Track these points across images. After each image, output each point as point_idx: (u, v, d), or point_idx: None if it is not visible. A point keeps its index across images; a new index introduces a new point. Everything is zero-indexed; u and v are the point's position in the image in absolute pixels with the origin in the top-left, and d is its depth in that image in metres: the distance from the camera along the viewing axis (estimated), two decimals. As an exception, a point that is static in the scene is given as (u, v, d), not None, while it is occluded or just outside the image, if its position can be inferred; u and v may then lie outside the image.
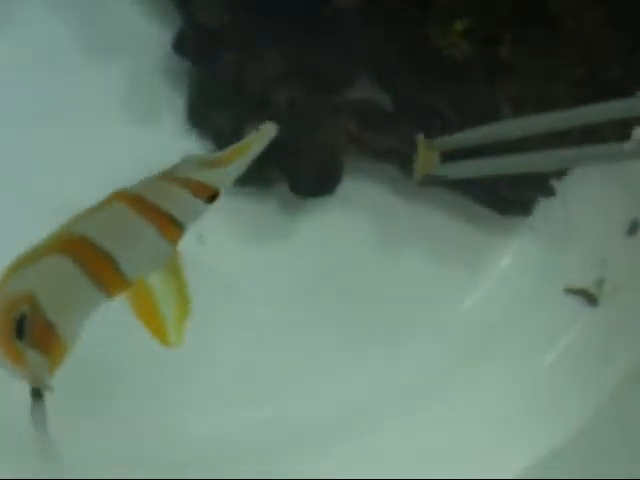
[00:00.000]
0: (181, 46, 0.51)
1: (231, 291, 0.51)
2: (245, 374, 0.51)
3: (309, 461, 0.50)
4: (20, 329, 0.32)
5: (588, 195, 0.54)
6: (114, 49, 0.53)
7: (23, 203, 0.50)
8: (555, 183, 0.52)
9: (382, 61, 0.50)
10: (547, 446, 0.51)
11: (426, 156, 0.41)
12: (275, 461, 0.50)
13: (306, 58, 0.50)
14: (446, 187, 0.53)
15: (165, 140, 0.52)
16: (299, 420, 0.51)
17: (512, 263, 0.54)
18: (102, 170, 0.50)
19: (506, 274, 0.54)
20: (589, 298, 0.54)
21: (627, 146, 0.37)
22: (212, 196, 0.36)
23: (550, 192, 0.52)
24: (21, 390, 0.33)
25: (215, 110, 0.51)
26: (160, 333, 0.35)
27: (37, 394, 0.33)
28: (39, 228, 0.34)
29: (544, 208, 0.53)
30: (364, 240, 0.53)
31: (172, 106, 0.53)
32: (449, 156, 0.41)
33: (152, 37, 0.53)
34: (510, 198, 0.52)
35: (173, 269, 0.35)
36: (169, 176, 0.36)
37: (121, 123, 0.52)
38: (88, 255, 0.34)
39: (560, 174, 0.52)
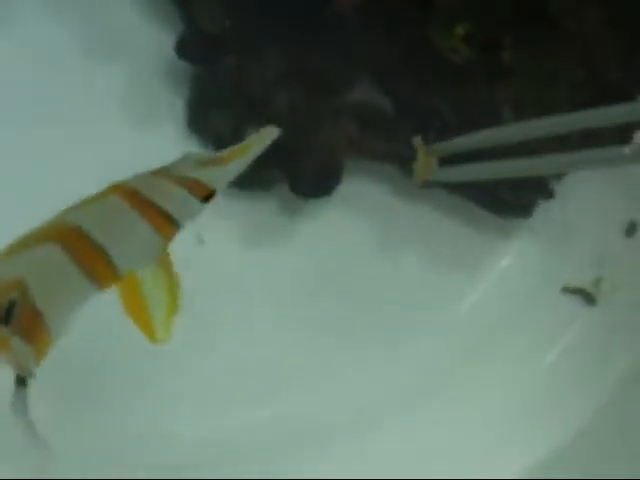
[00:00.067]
0: (182, 49, 0.51)
1: (230, 292, 0.52)
2: (244, 374, 0.51)
3: (309, 461, 0.50)
4: (8, 316, 0.32)
5: (586, 196, 0.54)
6: (115, 51, 0.53)
7: (22, 203, 0.50)
8: (554, 185, 0.52)
9: (382, 63, 0.50)
10: (547, 446, 0.51)
11: (425, 161, 0.41)
12: (275, 461, 0.50)
13: (306, 60, 0.50)
14: (446, 189, 0.53)
15: (165, 142, 0.52)
16: (299, 420, 0.51)
17: (511, 264, 0.55)
18: (102, 171, 0.48)
19: (505, 275, 0.54)
20: (587, 298, 0.54)
21: (628, 150, 0.37)
22: (208, 195, 0.36)
23: (549, 194, 0.52)
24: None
25: (215, 112, 0.51)
26: (148, 329, 0.34)
27: (21, 382, 0.33)
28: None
29: (543, 210, 0.53)
30: (364, 241, 0.53)
31: (172, 108, 0.53)
32: (448, 160, 0.41)
33: (153, 40, 0.53)
34: (510, 201, 0.52)
35: (165, 265, 0.35)
36: (166, 173, 0.36)
37: (121, 125, 0.52)
38: (80, 246, 0.33)
39: (559, 176, 0.52)
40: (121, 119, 0.52)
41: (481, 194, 0.53)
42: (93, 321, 0.47)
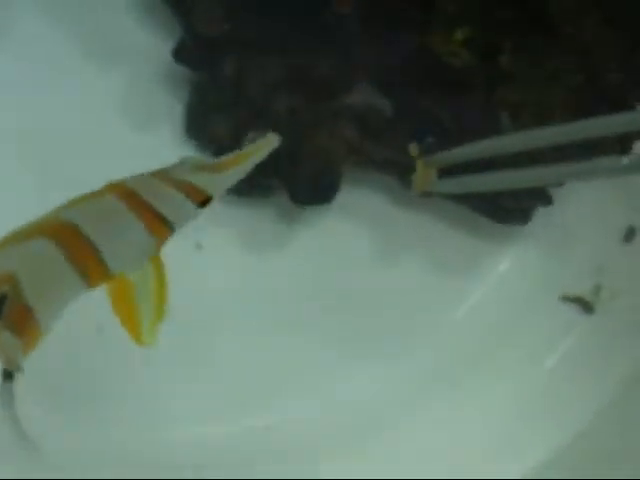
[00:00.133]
0: (181, 54, 0.51)
1: (228, 298, 0.52)
2: (242, 381, 0.51)
3: (308, 465, 0.50)
4: None
5: (585, 202, 0.54)
6: (114, 56, 0.53)
7: (22, 205, 0.50)
8: (553, 191, 0.52)
9: (382, 67, 0.50)
10: (545, 453, 0.51)
11: (424, 172, 0.41)
12: (274, 466, 0.50)
13: (306, 64, 0.50)
14: (444, 195, 0.53)
15: (163, 146, 0.52)
16: (296, 426, 0.51)
17: (510, 269, 0.55)
18: (100, 174, 0.49)
19: (504, 280, 0.54)
20: (585, 306, 0.54)
21: (627, 160, 0.37)
22: (205, 200, 0.36)
23: (548, 201, 0.52)
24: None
25: (214, 117, 0.51)
26: (135, 330, 0.34)
27: (8, 376, 0.33)
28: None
29: (542, 215, 0.53)
30: (362, 248, 0.53)
31: (171, 113, 0.53)
32: (448, 170, 0.41)
33: (152, 44, 0.53)
34: (509, 207, 0.52)
35: (156, 268, 0.35)
36: (165, 175, 0.36)
37: (120, 129, 0.52)
38: (73, 242, 0.33)
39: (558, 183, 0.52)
40: (120, 123, 0.52)
41: (480, 200, 0.52)
42: (90, 325, 0.48)
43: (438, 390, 0.52)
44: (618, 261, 0.55)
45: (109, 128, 0.52)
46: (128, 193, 0.35)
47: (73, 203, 0.34)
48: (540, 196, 0.52)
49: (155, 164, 0.37)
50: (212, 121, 0.51)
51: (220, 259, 0.52)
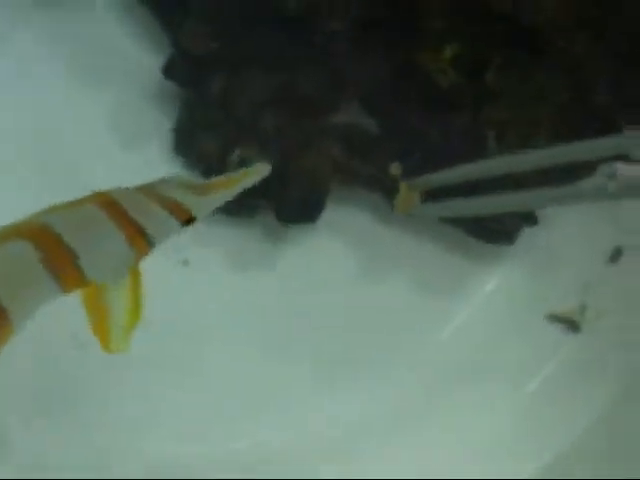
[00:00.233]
0: (170, 70, 0.51)
1: (213, 316, 0.52)
2: (224, 399, 0.51)
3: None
4: None
5: (571, 223, 0.54)
6: (103, 73, 0.53)
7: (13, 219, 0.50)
8: (539, 212, 0.52)
9: (369, 85, 0.51)
10: (533, 467, 0.51)
11: (407, 196, 0.41)
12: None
13: (294, 82, 0.50)
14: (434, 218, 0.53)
15: (152, 164, 0.52)
16: (281, 443, 0.51)
17: (496, 290, 0.55)
18: (87, 191, 0.50)
19: (490, 301, 0.54)
20: (572, 325, 0.54)
21: (612, 184, 0.37)
22: (188, 220, 0.36)
23: (534, 221, 0.52)
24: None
25: (203, 135, 0.51)
26: (105, 337, 0.34)
27: None
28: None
29: (528, 235, 0.53)
30: (349, 268, 0.53)
31: (160, 130, 0.53)
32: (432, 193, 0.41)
33: (141, 61, 0.53)
34: (494, 227, 0.52)
35: (133, 279, 0.35)
36: (151, 191, 0.36)
37: (109, 145, 0.52)
38: (51, 246, 0.33)
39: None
40: (109, 139, 0.52)
41: (465, 220, 0.53)
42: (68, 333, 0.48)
43: (423, 410, 0.52)
44: (604, 281, 0.55)
45: (97, 144, 0.52)
46: (111, 204, 0.35)
47: (55, 208, 0.34)
48: (526, 216, 0.52)
49: (143, 180, 0.37)
50: (200, 139, 0.51)
51: (207, 277, 0.52)
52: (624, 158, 0.38)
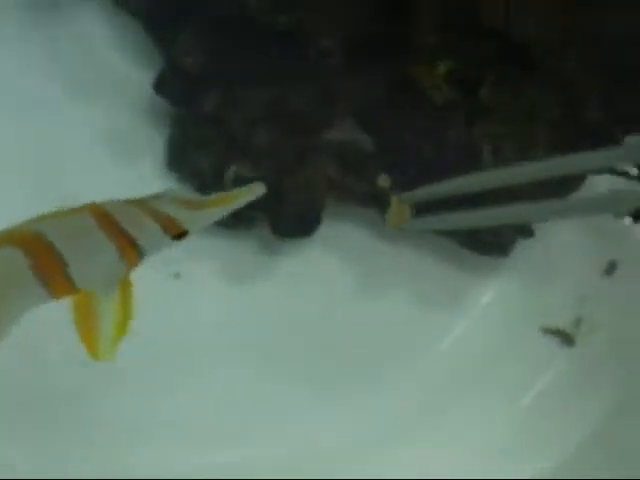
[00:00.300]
0: (162, 87, 0.51)
1: (209, 329, 0.52)
2: (214, 414, 0.51)
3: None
4: None
5: (567, 236, 0.55)
6: (96, 88, 0.53)
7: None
8: (535, 224, 0.52)
9: (364, 102, 0.51)
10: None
11: (398, 209, 0.41)
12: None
13: (288, 99, 0.50)
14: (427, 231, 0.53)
15: (146, 179, 0.52)
16: (278, 458, 0.51)
17: (492, 302, 0.55)
18: None
19: (486, 314, 0.55)
20: (566, 338, 0.54)
21: (605, 196, 0.37)
22: (179, 234, 0.36)
23: (529, 233, 0.53)
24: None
25: (195, 151, 0.51)
26: (92, 345, 0.35)
27: None
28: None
29: (524, 248, 0.54)
30: (344, 281, 0.54)
31: (153, 145, 0.53)
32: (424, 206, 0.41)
33: (134, 78, 0.53)
34: (490, 239, 0.52)
35: (123, 290, 0.36)
36: (144, 204, 0.36)
37: (102, 161, 0.52)
38: (41, 253, 0.34)
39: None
40: (101, 155, 0.53)
41: (460, 233, 0.53)
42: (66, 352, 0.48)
43: (421, 422, 0.52)
44: (599, 294, 0.55)
45: (90, 160, 0.52)
46: (104, 215, 0.35)
47: (48, 217, 0.35)
48: (521, 229, 0.52)
49: (136, 196, 0.37)
50: (193, 156, 0.51)
51: (202, 290, 0.52)
52: (614, 171, 0.38)
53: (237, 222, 0.51)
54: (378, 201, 0.51)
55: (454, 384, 0.53)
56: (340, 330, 0.53)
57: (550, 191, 0.42)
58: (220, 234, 0.52)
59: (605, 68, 0.48)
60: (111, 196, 0.39)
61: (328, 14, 0.49)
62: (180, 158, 0.52)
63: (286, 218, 0.51)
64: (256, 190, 0.38)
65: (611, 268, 0.55)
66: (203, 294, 0.52)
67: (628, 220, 0.44)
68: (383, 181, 0.47)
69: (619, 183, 0.39)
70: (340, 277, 0.54)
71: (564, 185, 0.46)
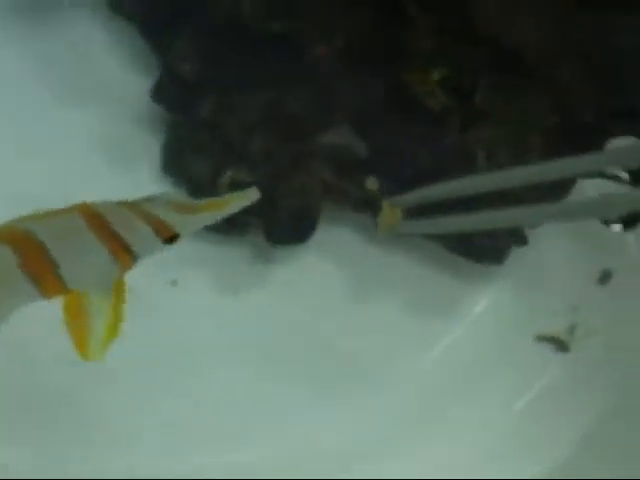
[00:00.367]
0: (158, 94, 0.51)
1: (203, 336, 0.52)
2: (210, 419, 0.51)
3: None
4: None
5: (561, 244, 0.55)
6: (93, 94, 0.54)
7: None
8: (529, 232, 0.53)
9: (359, 107, 0.51)
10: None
11: (389, 213, 0.41)
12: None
13: (284, 104, 0.50)
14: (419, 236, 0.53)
15: (142, 185, 0.52)
16: (272, 466, 0.51)
17: (486, 310, 0.55)
18: None
19: (480, 321, 0.55)
20: (560, 345, 0.54)
21: (595, 201, 0.37)
22: (171, 238, 0.36)
23: (523, 241, 0.53)
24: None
25: (191, 156, 0.52)
26: (82, 345, 0.35)
27: None
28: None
29: (517, 256, 0.54)
30: (338, 288, 0.54)
31: (149, 153, 0.53)
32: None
33: (131, 83, 0.53)
34: (483, 247, 0.53)
35: (117, 292, 0.36)
36: (136, 207, 0.36)
37: (98, 167, 0.53)
38: (30, 252, 0.34)
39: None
40: (97, 160, 0.53)
41: (454, 240, 0.53)
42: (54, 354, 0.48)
43: (411, 429, 0.52)
44: (593, 303, 0.55)
45: (86, 166, 0.53)
46: (95, 216, 0.35)
47: (39, 216, 0.35)
48: (515, 236, 0.53)
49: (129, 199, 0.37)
50: (189, 161, 0.52)
51: (196, 296, 0.52)
52: (604, 175, 0.38)
53: (231, 228, 0.52)
54: (371, 206, 0.51)
55: (446, 391, 0.53)
56: (335, 337, 0.53)
57: (541, 195, 0.42)
58: (213, 240, 0.52)
59: (599, 75, 0.49)
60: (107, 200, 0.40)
61: (322, 20, 0.49)
62: (176, 163, 0.52)
63: (280, 225, 0.51)
64: (250, 195, 0.38)
65: (605, 277, 0.55)
66: (201, 299, 0.52)
67: (618, 227, 0.44)
68: (371, 183, 0.47)
69: (610, 187, 0.39)
70: (335, 283, 0.54)
71: (554, 189, 0.46)
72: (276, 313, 0.53)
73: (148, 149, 0.53)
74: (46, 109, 0.53)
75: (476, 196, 0.39)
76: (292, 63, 0.49)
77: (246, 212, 0.38)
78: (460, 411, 0.53)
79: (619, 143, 0.40)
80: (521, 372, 0.54)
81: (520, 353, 0.54)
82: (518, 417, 0.53)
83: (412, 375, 0.54)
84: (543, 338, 0.54)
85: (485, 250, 0.53)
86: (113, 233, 0.35)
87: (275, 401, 0.52)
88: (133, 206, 0.36)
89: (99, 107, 0.53)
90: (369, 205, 0.51)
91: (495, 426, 0.53)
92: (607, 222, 0.42)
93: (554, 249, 0.55)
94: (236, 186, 0.49)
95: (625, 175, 0.40)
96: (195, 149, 0.52)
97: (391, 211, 0.41)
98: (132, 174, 0.53)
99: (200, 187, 0.51)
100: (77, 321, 0.35)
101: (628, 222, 0.40)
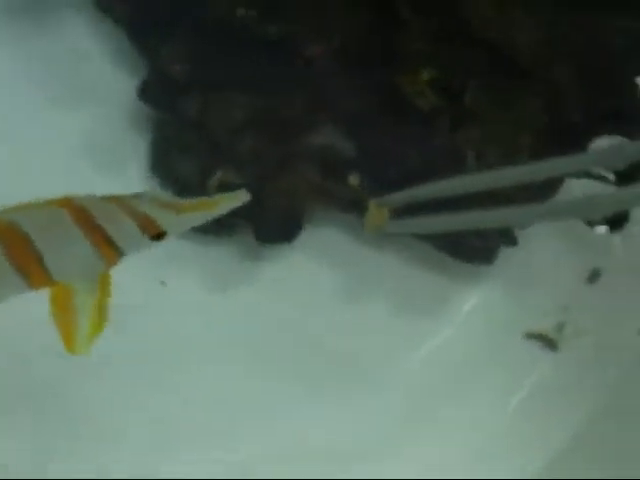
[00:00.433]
0: (146, 93, 0.51)
1: (192, 335, 0.52)
2: (198, 418, 0.51)
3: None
4: None
5: (550, 243, 0.55)
6: (80, 94, 0.54)
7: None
8: (518, 232, 0.53)
9: (348, 108, 0.51)
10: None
11: (376, 213, 0.41)
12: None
13: (272, 105, 0.50)
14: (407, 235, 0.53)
15: (129, 184, 0.51)
16: (263, 465, 0.51)
17: (475, 309, 0.55)
18: None
19: (468, 320, 0.55)
20: (549, 343, 0.54)
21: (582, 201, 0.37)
22: (157, 235, 0.36)
23: (512, 242, 0.53)
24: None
25: (179, 156, 0.52)
26: (69, 338, 0.35)
27: None
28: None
29: (507, 255, 0.54)
30: (327, 287, 0.54)
31: (136, 152, 0.53)
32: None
33: (119, 83, 0.53)
34: (474, 246, 0.53)
35: (103, 286, 0.36)
36: (122, 202, 0.36)
37: (86, 166, 0.53)
38: (15, 243, 0.34)
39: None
40: (85, 160, 0.53)
41: (444, 239, 0.53)
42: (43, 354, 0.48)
43: (402, 430, 0.52)
44: (581, 302, 0.55)
45: (74, 165, 0.53)
46: (80, 210, 0.35)
47: (23, 207, 0.35)
48: (505, 237, 0.53)
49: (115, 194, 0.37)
50: (177, 160, 0.52)
51: (185, 294, 0.52)
52: (591, 175, 0.38)
53: (219, 228, 0.52)
54: (358, 206, 0.51)
55: (436, 390, 0.53)
56: (323, 336, 0.53)
57: (530, 195, 0.42)
58: (202, 240, 0.52)
59: (588, 76, 0.49)
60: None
61: (317, 23, 0.49)
62: (164, 163, 0.52)
63: (267, 224, 0.51)
64: (240, 197, 0.38)
65: (594, 276, 0.55)
66: (189, 297, 0.52)
67: (603, 229, 0.44)
68: (353, 179, 0.47)
69: (596, 187, 0.39)
70: (323, 282, 0.54)
71: (543, 189, 0.46)
72: (265, 311, 0.53)
73: (136, 149, 0.53)
74: (32, 109, 0.53)
75: (466, 196, 0.39)
76: (281, 64, 0.49)
77: (234, 214, 0.38)
78: (450, 411, 0.53)
79: (606, 143, 0.40)
80: (511, 372, 0.54)
81: (510, 353, 0.55)
82: (509, 417, 0.53)
83: (401, 375, 0.54)
84: (532, 336, 0.54)
85: (475, 250, 0.53)
86: (97, 226, 0.35)
87: (263, 398, 0.52)
88: (119, 201, 0.36)
89: (87, 107, 0.53)
90: (356, 205, 0.51)
91: (485, 426, 0.53)
92: (591, 224, 0.42)
93: (543, 249, 0.55)
94: (225, 187, 0.49)
95: (611, 176, 0.40)
96: (182, 149, 0.52)
97: (378, 211, 0.41)
98: (120, 174, 0.53)
99: (187, 187, 0.51)
100: (64, 314, 0.35)
101: (614, 223, 0.40)
